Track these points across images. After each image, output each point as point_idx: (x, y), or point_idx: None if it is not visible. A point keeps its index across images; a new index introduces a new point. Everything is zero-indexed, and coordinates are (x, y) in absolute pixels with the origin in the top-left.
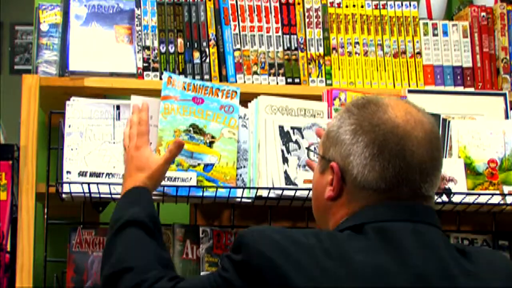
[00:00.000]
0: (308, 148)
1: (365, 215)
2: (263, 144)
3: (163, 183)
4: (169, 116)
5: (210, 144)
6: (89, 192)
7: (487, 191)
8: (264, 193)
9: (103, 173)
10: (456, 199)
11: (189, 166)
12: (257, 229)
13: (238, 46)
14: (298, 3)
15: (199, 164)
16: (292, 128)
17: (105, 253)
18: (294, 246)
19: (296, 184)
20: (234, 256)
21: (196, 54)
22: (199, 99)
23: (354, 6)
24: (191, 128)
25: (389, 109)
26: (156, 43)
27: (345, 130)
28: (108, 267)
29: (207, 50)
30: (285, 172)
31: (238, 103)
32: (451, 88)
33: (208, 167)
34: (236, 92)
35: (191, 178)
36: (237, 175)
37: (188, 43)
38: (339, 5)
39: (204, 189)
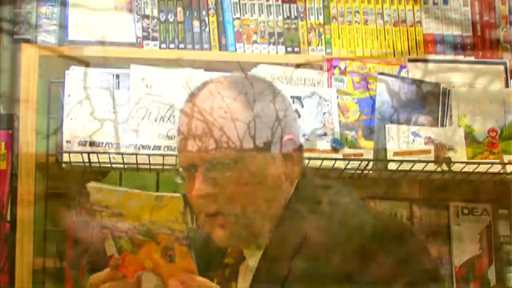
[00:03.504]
0: None
1: None
2: None
3: None
4: None
5: None
6: (89, 161)
7: (487, 160)
8: None
9: (102, 143)
10: (456, 168)
11: None
12: None
13: (237, 15)
14: None
15: None
16: (292, 97)
17: None
18: None
19: None
20: None
21: (196, 23)
22: None
23: None
24: None
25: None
26: (155, 12)
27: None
28: None
29: (206, 19)
30: None
31: None
32: (451, 57)
33: None
34: None
35: None
36: None
37: (187, 12)
38: None
39: None
